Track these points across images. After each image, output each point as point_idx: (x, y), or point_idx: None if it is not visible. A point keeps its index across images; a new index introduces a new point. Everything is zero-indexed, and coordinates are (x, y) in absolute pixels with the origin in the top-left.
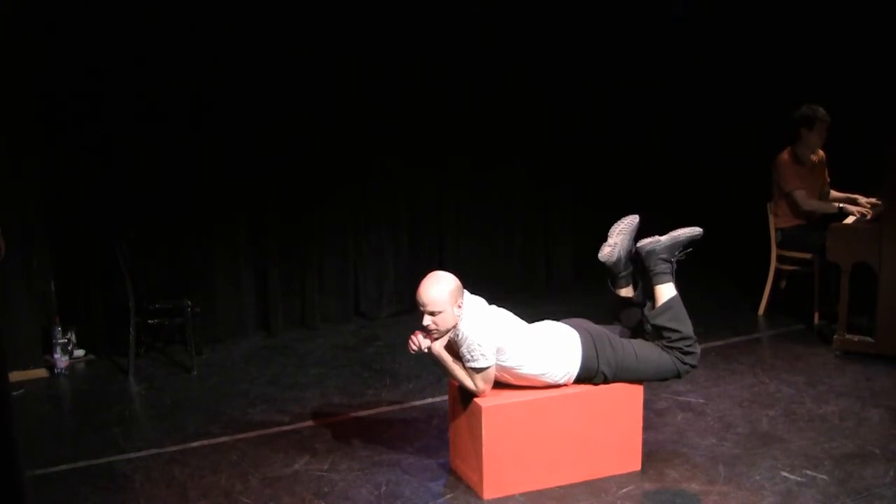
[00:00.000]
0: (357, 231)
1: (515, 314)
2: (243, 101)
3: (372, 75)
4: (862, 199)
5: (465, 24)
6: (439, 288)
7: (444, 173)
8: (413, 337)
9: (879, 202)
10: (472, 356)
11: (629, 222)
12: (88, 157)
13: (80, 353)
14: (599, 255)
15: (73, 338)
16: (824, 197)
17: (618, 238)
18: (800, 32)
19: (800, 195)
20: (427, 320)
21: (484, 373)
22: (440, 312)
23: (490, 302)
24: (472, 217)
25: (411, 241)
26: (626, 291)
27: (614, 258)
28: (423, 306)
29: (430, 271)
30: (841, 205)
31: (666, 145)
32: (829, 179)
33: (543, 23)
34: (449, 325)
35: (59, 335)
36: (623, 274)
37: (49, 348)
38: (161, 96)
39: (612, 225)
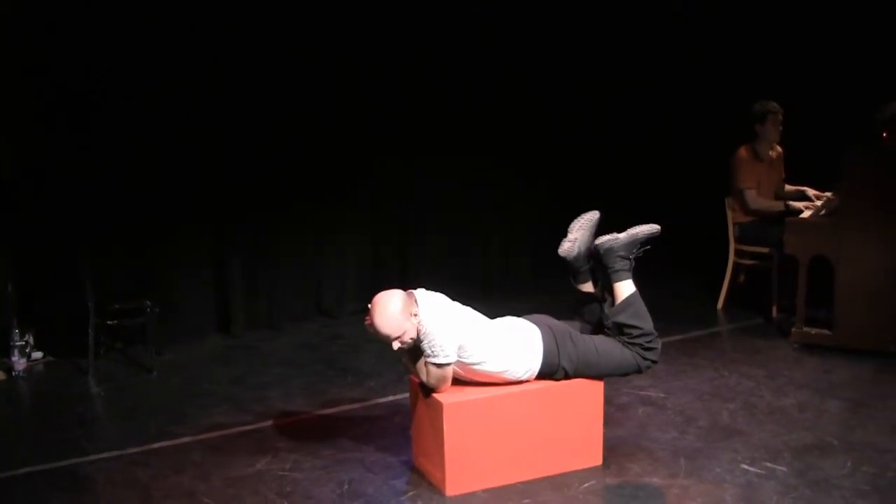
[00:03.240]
0: (319, 229)
1: (478, 311)
2: (206, 101)
3: (345, 74)
4: (810, 192)
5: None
6: (389, 314)
7: (405, 170)
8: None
9: (832, 196)
10: (432, 352)
11: (589, 218)
12: (48, 158)
13: (38, 354)
14: (559, 250)
15: (32, 340)
16: (780, 192)
17: (578, 233)
18: (781, 31)
19: (750, 195)
20: (395, 346)
21: (443, 369)
22: (403, 333)
23: (452, 298)
24: (435, 214)
25: (373, 239)
26: (587, 287)
27: (574, 253)
28: (385, 339)
29: (392, 269)
30: (788, 202)
31: (628, 143)
32: (784, 175)
33: (528, 18)
34: (413, 336)
35: (17, 337)
36: (583, 269)
37: (7, 350)
38: (119, 98)
39: (572, 221)
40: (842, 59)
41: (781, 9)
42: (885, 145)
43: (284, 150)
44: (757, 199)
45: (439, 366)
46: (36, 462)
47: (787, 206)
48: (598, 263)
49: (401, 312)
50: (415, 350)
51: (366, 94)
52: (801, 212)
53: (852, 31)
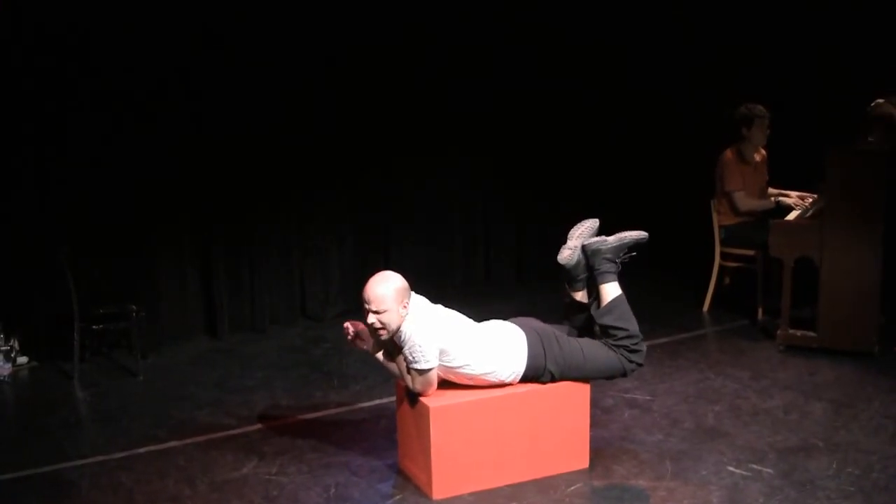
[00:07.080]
0: (301, 231)
1: (462, 314)
2: (191, 103)
3: (327, 78)
4: (793, 194)
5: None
6: (386, 286)
7: (386, 172)
8: (348, 324)
9: (817, 198)
10: (413, 357)
11: (589, 226)
12: (28, 159)
13: (23, 359)
14: (559, 257)
15: (16, 344)
16: (763, 194)
17: (577, 241)
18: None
19: (738, 196)
20: (371, 318)
21: (426, 375)
22: (385, 311)
23: (435, 301)
24: (417, 216)
25: (356, 241)
26: (582, 295)
27: (573, 261)
28: (368, 304)
29: (376, 271)
30: (779, 199)
31: (612, 143)
32: (767, 178)
33: (507, 15)
34: (393, 325)
35: (2, 342)
36: (580, 277)
37: None
38: (103, 97)
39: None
40: (822, 60)
41: (762, 8)
42: (869, 147)
43: (268, 153)
44: (746, 201)
45: (421, 371)
46: (19, 467)
47: (778, 203)
48: (584, 264)
49: (397, 292)
50: (390, 348)
51: (350, 97)
52: (792, 208)
53: (834, 31)
